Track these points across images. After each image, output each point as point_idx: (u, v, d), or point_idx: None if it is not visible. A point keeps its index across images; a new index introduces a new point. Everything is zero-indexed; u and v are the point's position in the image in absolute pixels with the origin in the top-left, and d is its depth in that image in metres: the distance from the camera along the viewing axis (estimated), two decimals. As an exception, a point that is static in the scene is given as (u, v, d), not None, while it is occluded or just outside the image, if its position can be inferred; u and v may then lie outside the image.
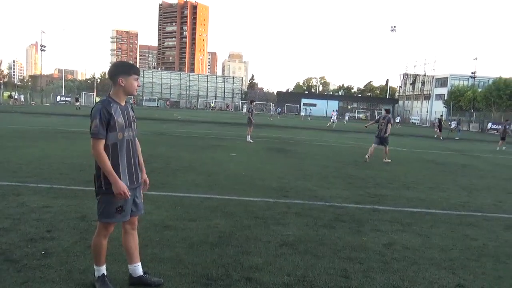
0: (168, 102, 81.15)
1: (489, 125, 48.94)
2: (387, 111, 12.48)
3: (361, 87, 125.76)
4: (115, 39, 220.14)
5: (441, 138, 24.46)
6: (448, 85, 70.79)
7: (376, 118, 12.98)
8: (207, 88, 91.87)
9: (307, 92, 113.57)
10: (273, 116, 48.85)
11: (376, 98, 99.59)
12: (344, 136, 23.57)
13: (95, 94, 68.65)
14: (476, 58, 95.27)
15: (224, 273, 3.32)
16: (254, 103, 18.52)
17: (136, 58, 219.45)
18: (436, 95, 76.00)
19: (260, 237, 4.28)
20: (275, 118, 48.01)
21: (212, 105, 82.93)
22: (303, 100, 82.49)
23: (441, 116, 30.07)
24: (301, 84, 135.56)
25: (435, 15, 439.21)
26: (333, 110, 43.14)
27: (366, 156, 11.73)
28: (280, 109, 64.39)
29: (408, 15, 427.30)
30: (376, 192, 7.16)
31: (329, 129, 30.96)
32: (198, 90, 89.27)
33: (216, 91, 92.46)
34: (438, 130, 25.55)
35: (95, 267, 2.91)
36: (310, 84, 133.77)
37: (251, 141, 15.50)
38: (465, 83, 67.59)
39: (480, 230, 5.19)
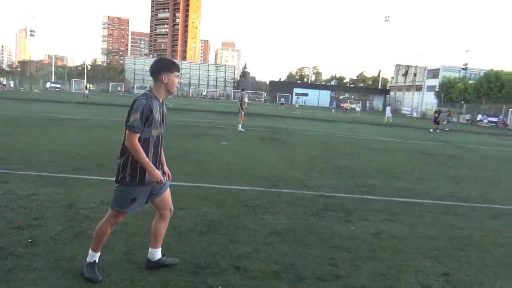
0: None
1: (479, 116, 49.48)
2: None
3: (354, 77, 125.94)
4: (107, 25, 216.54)
5: (432, 130, 24.62)
6: (440, 77, 71.14)
7: None
8: (199, 76, 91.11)
9: (299, 81, 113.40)
10: (296, 109, 45.27)
11: (368, 88, 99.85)
12: (336, 126, 23.64)
13: (85, 81, 67.70)
14: (468, 50, 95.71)
15: (213, 262, 3.33)
16: (245, 92, 18.43)
17: (127, 44, 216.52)
18: (427, 86, 76.38)
19: (249, 226, 4.30)
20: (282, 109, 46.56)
21: (204, 93, 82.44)
22: (296, 90, 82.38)
23: (438, 108, 30.17)
24: (293, 73, 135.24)
25: (429, 6, 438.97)
26: (388, 105, 43.51)
27: None
28: (283, 99, 64.27)
29: (402, 5, 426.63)
30: (365, 182, 7.22)
31: (356, 121, 31.02)
32: (190, 78, 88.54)
33: (208, 80, 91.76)
34: (434, 123, 25.66)
35: (90, 251, 2.92)
36: (303, 73, 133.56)
37: (242, 130, 15.47)
38: (456, 75, 67.98)
39: (467, 220, 5.27)
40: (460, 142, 18.72)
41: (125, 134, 2.70)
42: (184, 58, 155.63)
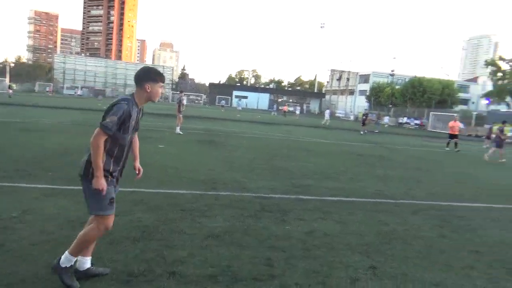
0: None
1: (405, 119, 53.39)
2: None
3: (292, 81, 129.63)
4: (33, 21, 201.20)
5: (362, 132, 26.08)
6: (370, 82, 75.66)
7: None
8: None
9: (239, 84, 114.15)
10: (239, 111, 45.14)
11: (306, 92, 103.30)
12: (275, 128, 24.13)
13: (8, 80, 62.23)
14: (395, 58, 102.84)
15: (147, 269, 3.23)
16: (183, 94, 18.15)
17: (56, 42, 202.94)
18: (359, 90, 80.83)
19: (185, 230, 4.24)
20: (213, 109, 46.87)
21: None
22: (235, 92, 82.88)
23: (366, 110, 31.97)
24: (233, 76, 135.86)
25: (361, 15, 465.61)
26: (327, 109, 44.62)
27: None
28: (224, 101, 64.23)
29: (336, 14, 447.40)
30: (301, 183, 7.45)
31: (294, 123, 31.49)
32: (125, 79, 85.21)
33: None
34: (363, 125, 27.20)
35: (70, 256, 2.82)
36: (243, 76, 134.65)
37: (180, 132, 15.21)
38: (385, 80, 72.75)
39: (392, 215, 5.66)
40: (388, 143, 20.05)
41: (95, 131, 2.67)
42: (119, 57, 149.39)
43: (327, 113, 38.78)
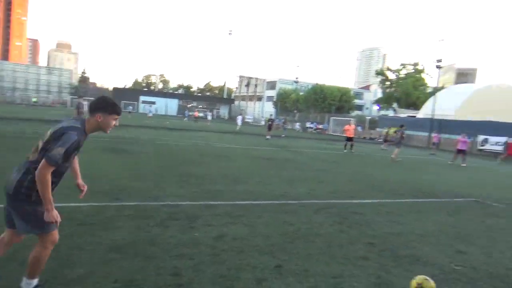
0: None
1: (308, 124, 56.79)
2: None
3: (201, 86, 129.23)
4: None
5: (268, 137, 26.98)
6: (277, 88, 78.98)
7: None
8: (26, 80, 79.57)
9: (146, 89, 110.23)
10: (149, 117, 42.35)
11: (215, 97, 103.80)
12: (185, 134, 23.77)
13: None
14: (298, 66, 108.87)
15: (37, 292, 2.92)
16: (83, 99, 16.92)
17: None
18: (267, 96, 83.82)
19: (84, 246, 3.94)
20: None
21: (35, 99, 72.34)
22: (142, 98, 79.78)
23: (271, 115, 33.15)
24: (140, 80, 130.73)
25: (269, 25, 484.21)
26: (240, 115, 43.93)
27: None
28: (131, 107, 61.26)
29: (244, 22, 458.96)
30: (210, 188, 7.45)
31: (194, 129, 30.74)
32: (14, 82, 76.50)
33: (39, 84, 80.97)
34: (269, 130, 28.14)
35: (30, 280, 2.79)
36: (150, 81, 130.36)
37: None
38: (290, 87, 76.57)
39: (296, 215, 5.95)
40: (293, 146, 21.11)
41: (41, 163, 2.53)
42: (6, 58, 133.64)
43: (239, 119, 39.55)
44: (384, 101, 69.69)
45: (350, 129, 21.50)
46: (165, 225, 4.86)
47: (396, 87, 67.54)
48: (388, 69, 73.35)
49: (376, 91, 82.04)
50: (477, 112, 38.22)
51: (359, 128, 44.83)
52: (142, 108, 67.89)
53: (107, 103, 2.81)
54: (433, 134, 31.76)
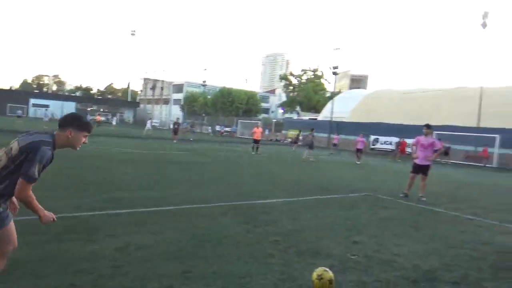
0: None
1: (217, 127, 57.12)
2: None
3: (102, 89, 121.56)
4: None
5: (175, 141, 26.49)
6: (184, 91, 77.91)
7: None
8: None
9: (37, 91, 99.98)
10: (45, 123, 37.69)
11: (118, 100, 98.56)
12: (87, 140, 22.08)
13: None
14: (206, 69, 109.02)
15: None
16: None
17: None
18: (174, 100, 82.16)
19: (-41, 270, 3.41)
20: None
21: None
22: (33, 100, 72.29)
23: (178, 119, 32.46)
24: (29, 81, 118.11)
25: (174, 26, 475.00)
26: (149, 119, 41.84)
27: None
28: (20, 111, 54.84)
29: (148, 22, 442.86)
30: (114, 196, 7.04)
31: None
32: None
33: None
34: (174, 134, 27.56)
35: None
36: (42, 82, 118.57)
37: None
38: (198, 90, 76.12)
39: (205, 218, 5.94)
40: (202, 150, 21.02)
41: (19, 182, 2.50)
42: None
43: (148, 123, 38.30)
44: (288, 105, 73.40)
45: (258, 132, 22.18)
46: (60, 239, 4.46)
47: (299, 91, 71.62)
48: (291, 74, 77.44)
49: (281, 95, 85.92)
50: (367, 115, 42.41)
51: (266, 131, 46.49)
52: (32, 112, 61.36)
53: (79, 119, 2.80)
54: (334, 136, 34.35)
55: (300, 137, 29.86)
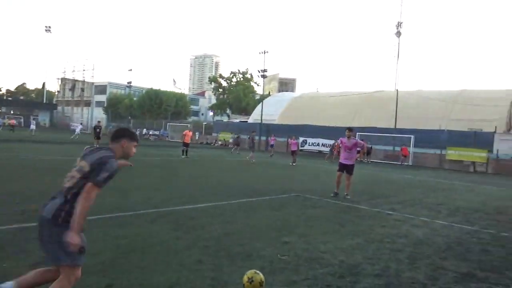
0: None
1: (144, 131, 55.10)
2: None
3: (12, 89, 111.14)
4: None
5: (97, 145, 24.95)
6: (107, 93, 74.15)
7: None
8: None
9: None
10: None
11: (32, 102, 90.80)
12: (1, 147, 19.96)
13: None
14: (131, 70, 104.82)
15: None
16: None
17: None
18: (96, 102, 77.82)
19: None
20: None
21: None
22: None
23: (99, 122, 30.37)
24: None
25: (97, 20, 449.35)
26: (80, 123, 38.33)
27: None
28: None
29: (65, 17, 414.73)
30: (26, 208, 6.44)
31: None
32: None
33: None
34: (97, 138, 25.84)
35: None
36: None
37: None
38: (123, 92, 72.95)
39: (131, 227, 5.68)
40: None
41: (87, 186, 2.72)
42: None
43: (78, 128, 35.87)
44: (218, 107, 73.36)
45: (188, 135, 21.85)
46: (-41, 259, 3.96)
47: (228, 94, 71.95)
48: (221, 76, 77.58)
49: (211, 97, 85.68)
50: (295, 117, 43.95)
51: (197, 134, 46.00)
52: None
53: (129, 131, 3.17)
54: (270, 138, 34.99)
55: (230, 140, 30.08)
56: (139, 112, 64.34)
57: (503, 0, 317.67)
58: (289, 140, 23.57)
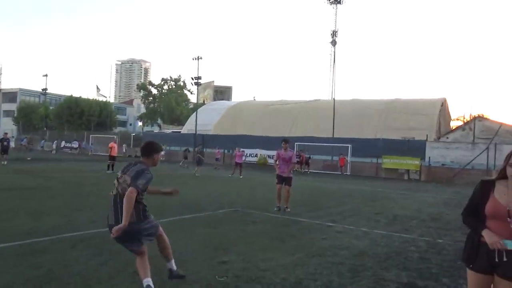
0: None
1: (63, 143, 51.80)
2: None
3: None
4: None
5: (4, 162, 22.71)
6: (18, 101, 69.02)
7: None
8: None
9: None
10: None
11: None
12: None
13: None
14: (46, 75, 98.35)
15: None
16: None
17: None
18: (4, 111, 72.06)
19: None
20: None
21: None
22: None
23: (6, 134, 27.76)
24: None
25: (5, 19, 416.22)
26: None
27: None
28: None
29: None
30: None
31: None
32: None
33: None
34: (2, 153, 23.51)
35: (142, 281, 3.94)
36: None
37: None
38: (37, 100, 68.30)
39: (47, 254, 5.25)
40: (43, 171, 18.75)
41: (129, 190, 3.81)
42: None
43: None
44: (148, 117, 71.47)
45: (114, 147, 20.95)
46: None
47: (159, 102, 70.45)
48: (150, 83, 75.81)
49: (140, 106, 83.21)
50: (231, 127, 44.16)
51: (123, 146, 44.23)
52: None
53: (157, 146, 4.32)
54: (216, 150, 34.58)
55: (162, 153, 29.40)
56: (57, 123, 60.56)
57: (431, 14, 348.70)
58: (236, 151, 23.65)
